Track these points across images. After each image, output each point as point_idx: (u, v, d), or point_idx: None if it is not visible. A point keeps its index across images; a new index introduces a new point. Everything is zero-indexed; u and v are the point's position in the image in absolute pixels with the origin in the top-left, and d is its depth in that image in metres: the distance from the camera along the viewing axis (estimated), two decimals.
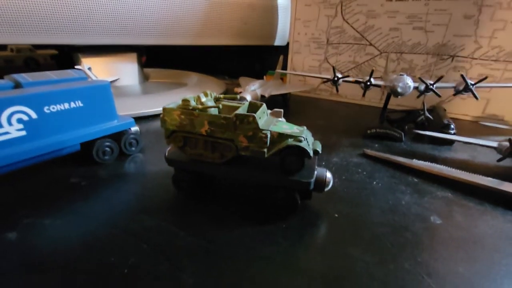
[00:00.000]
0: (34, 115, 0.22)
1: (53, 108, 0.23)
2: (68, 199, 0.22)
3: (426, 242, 0.18)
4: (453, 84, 0.32)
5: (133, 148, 0.29)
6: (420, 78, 0.30)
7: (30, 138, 0.22)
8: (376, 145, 0.34)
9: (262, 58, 0.79)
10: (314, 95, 0.58)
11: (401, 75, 0.30)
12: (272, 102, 0.45)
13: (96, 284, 0.15)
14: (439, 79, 0.30)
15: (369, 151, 0.31)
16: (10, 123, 0.20)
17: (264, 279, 0.15)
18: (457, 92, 0.31)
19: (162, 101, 0.44)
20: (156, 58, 0.82)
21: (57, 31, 0.37)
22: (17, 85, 0.23)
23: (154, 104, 0.43)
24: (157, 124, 0.40)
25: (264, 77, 0.55)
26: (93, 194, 0.23)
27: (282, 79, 0.58)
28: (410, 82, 0.29)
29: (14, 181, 0.24)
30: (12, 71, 0.25)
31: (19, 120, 0.21)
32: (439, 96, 0.30)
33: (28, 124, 0.21)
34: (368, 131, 0.36)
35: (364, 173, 0.27)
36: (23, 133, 0.21)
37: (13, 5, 0.33)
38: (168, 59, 0.86)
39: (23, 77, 0.24)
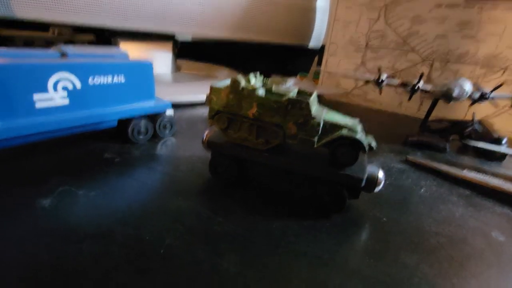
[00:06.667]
0: (78, 85, 0.21)
1: (97, 80, 0.22)
2: (102, 172, 0.21)
3: (491, 258, 0.16)
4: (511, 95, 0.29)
5: (167, 131, 0.29)
6: (475, 85, 0.28)
7: (72, 107, 0.21)
8: (419, 153, 0.32)
9: (291, 59, 0.77)
10: (346, 100, 0.56)
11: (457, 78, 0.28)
12: None
13: (133, 259, 0.14)
14: (497, 87, 0.28)
15: (413, 158, 0.29)
16: (55, 89, 0.20)
17: (315, 278, 0.14)
18: None
19: (194, 91, 0.44)
20: (186, 51, 0.83)
21: (105, 14, 0.37)
22: (63, 55, 0.23)
23: (186, 93, 0.42)
24: (188, 112, 0.39)
25: (298, 76, 0.54)
26: (126, 170, 0.22)
27: (313, 80, 0.56)
28: (468, 87, 0.27)
29: (51, 150, 0.24)
30: None
31: (65, 88, 0.21)
32: (496, 106, 0.28)
33: (72, 94, 0.21)
34: (410, 138, 0.34)
35: (409, 180, 0.25)
36: (66, 101, 0.21)
37: None
38: (196, 53, 0.87)
39: (70, 48, 0.23)
